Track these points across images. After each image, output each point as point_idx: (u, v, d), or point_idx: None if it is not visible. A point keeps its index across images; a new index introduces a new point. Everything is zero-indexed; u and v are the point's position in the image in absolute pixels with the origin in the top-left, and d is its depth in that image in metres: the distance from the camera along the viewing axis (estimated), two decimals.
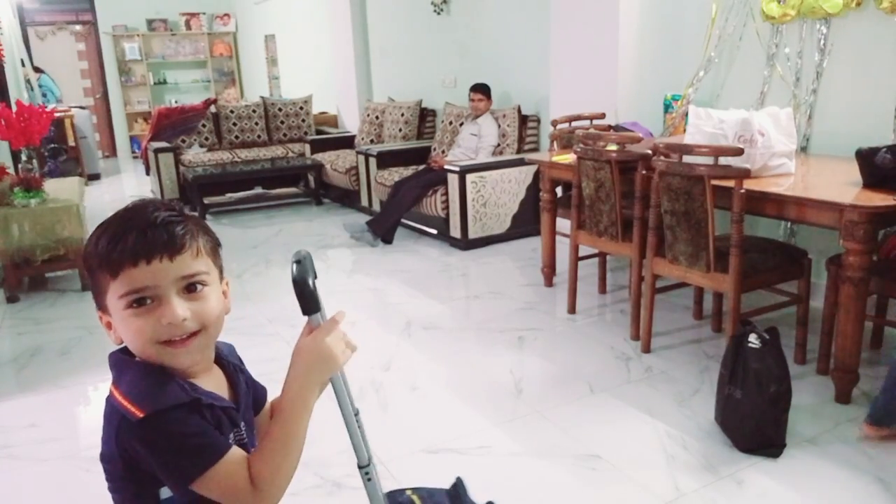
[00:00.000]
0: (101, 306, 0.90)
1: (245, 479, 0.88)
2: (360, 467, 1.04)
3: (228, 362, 1.01)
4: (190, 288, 0.88)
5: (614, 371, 2.82)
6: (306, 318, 0.94)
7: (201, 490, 0.86)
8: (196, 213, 0.95)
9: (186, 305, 0.87)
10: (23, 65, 7.78)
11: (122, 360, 0.92)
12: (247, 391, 1.01)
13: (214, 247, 0.94)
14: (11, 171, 4.66)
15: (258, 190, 6.84)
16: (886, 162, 2.37)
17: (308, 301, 0.92)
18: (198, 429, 0.87)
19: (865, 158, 2.46)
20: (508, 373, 2.84)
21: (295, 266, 0.92)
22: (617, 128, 3.77)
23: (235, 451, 0.89)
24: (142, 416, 0.84)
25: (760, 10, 3.41)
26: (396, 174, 5.34)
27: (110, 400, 0.89)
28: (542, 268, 3.87)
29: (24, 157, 4.18)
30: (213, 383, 0.95)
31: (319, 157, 6.61)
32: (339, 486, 2.10)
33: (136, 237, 0.84)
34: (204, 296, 0.90)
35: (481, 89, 5.00)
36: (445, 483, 1.73)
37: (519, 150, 4.96)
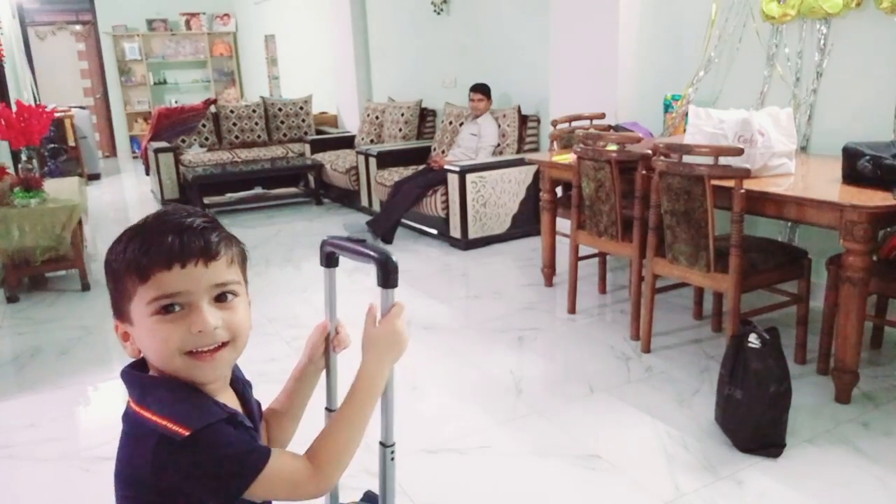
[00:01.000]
0: (121, 314, 0.87)
1: (299, 469, 0.88)
2: (386, 446, 1.07)
3: (237, 379, 1.00)
4: (221, 298, 0.86)
5: (614, 371, 2.82)
6: (385, 290, 1.01)
7: (257, 495, 0.85)
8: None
9: (219, 315, 0.85)
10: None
11: (142, 378, 0.89)
12: (258, 408, 1.01)
13: (244, 258, 0.93)
14: (11, 171, 4.66)
15: (258, 190, 6.84)
16: (866, 171, 2.42)
17: (395, 275, 0.99)
18: (243, 437, 0.86)
19: (850, 158, 2.49)
20: (508, 373, 2.84)
21: (366, 244, 1.02)
22: (617, 128, 3.77)
23: (277, 449, 0.89)
24: (187, 433, 0.81)
25: (760, 10, 3.41)
26: (396, 174, 5.34)
27: (137, 419, 0.86)
28: (542, 268, 3.87)
29: (24, 157, 4.18)
30: (231, 402, 0.94)
31: (319, 157, 6.61)
32: (339, 486, 2.10)
33: (172, 240, 0.82)
34: (234, 306, 0.88)
35: (481, 89, 5.00)
36: (445, 483, 1.73)
37: (519, 150, 4.97)
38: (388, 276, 0.99)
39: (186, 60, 10.99)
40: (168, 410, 0.83)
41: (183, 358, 0.84)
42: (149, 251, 0.82)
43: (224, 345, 0.86)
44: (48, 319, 3.74)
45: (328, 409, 1.15)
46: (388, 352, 0.99)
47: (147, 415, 0.85)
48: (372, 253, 1.00)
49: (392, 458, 1.07)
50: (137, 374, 0.90)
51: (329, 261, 1.10)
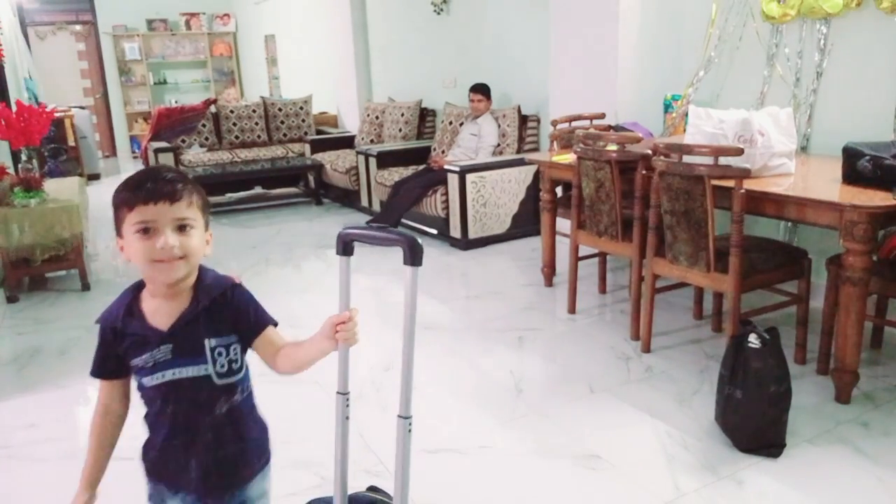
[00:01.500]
0: (119, 232, 1.21)
1: (96, 404, 1.28)
2: (405, 417, 1.20)
3: (204, 294, 1.24)
4: (181, 228, 1.18)
5: (614, 371, 2.82)
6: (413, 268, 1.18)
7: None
8: (194, 181, 1.28)
9: (177, 239, 1.17)
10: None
11: (132, 285, 1.28)
12: (201, 320, 1.23)
13: (205, 205, 1.25)
14: (11, 171, 4.66)
15: (258, 190, 6.84)
16: (866, 171, 2.42)
17: (421, 255, 1.18)
18: (99, 344, 1.26)
19: (850, 158, 2.49)
20: (508, 373, 2.84)
21: (389, 230, 1.21)
22: (617, 128, 3.76)
23: (101, 382, 1.28)
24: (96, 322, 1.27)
25: (760, 10, 3.41)
26: (396, 174, 5.34)
27: None
28: (542, 268, 3.87)
29: (24, 157, 4.18)
30: (167, 307, 1.22)
31: (319, 157, 6.61)
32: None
33: (149, 185, 1.17)
34: (190, 234, 1.19)
35: (481, 89, 5.00)
36: (445, 483, 1.73)
37: (519, 150, 4.96)
38: (415, 255, 1.17)
39: (186, 60, 10.99)
40: (111, 303, 1.28)
41: (151, 263, 1.18)
42: (134, 191, 1.18)
43: (181, 258, 1.18)
44: (48, 319, 3.74)
45: (339, 393, 1.28)
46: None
47: None
48: (398, 237, 1.17)
49: (409, 430, 1.21)
50: (135, 282, 1.28)
51: (345, 249, 1.26)
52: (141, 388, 1.25)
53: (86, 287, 4.15)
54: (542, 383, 2.78)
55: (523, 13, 5.01)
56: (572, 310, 3.46)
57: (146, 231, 1.16)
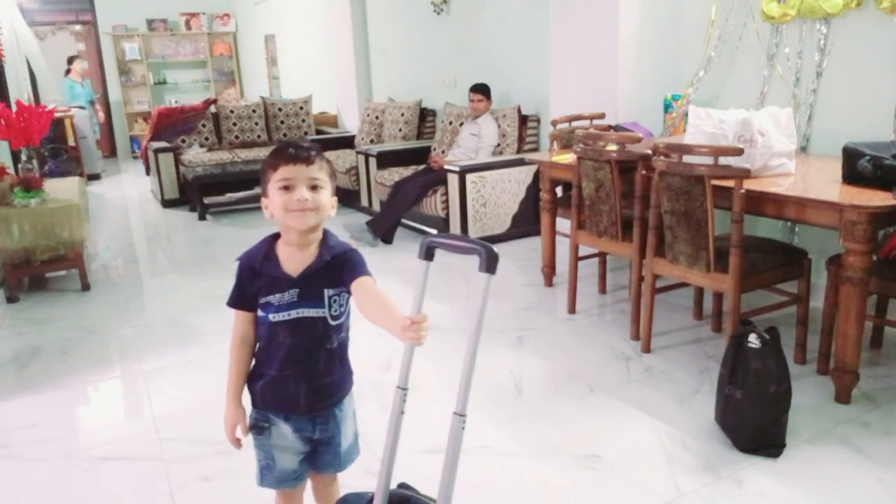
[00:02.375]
0: (264, 192, 1.45)
1: (234, 331, 1.50)
2: (460, 415, 1.35)
3: (327, 251, 1.46)
4: (314, 187, 1.42)
5: (614, 371, 2.82)
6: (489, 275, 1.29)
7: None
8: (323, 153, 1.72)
9: (310, 194, 1.41)
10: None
11: (269, 235, 1.50)
12: (323, 272, 1.44)
13: (332, 172, 1.50)
14: (11, 171, 4.66)
15: (258, 190, 6.81)
16: (866, 171, 2.42)
17: (496, 263, 1.28)
18: (239, 280, 1.47)
19: (850, 158, 2.49)
20: (508, 373, 2.84)
21: (466, 238, 1.34)
22: (617, 128, 3.77)
23: (238, 312, 1.49)
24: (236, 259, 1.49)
25: (760, 10, 3.41)
26: (396, 174, 5.34)
27: None
28: (542, 268, 3.87)
29: (24, 157, 4.18)
30: (297, 257, 1.44)
31: None
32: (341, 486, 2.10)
33: (290, 151, 1.42)
34: (320, 192, 1.43)
35: (481, 89, 5.00)
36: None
37: (519, 150, 4.97)
38: (491, 263, 1.27)
39: (186, 60, 10.99)
40: (250, 248, 1.50)
41: (289, 212, 1.40)
42: (278, 156, 1.42)
43: (312, 210, 1.41)
44: (48, 319, 3.74)
45: (399, 388, 1.42)
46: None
47: None
48: (477, 245, 1.27)
49: (463, 428, 1.35)
50: (272, 234, 1.51)
51: (427, 254, 1.41)
52: (263, 322, 1.45)
53: (86, 287, 4.15)
54: (542, 383, 2.78)
55: (523, 13, 5.01)
56: (572, 310, 3.46)
57: (287, 188, 1.40)
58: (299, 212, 1.40)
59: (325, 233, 1.50)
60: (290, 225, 1.43)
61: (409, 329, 1.30)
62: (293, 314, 1.44)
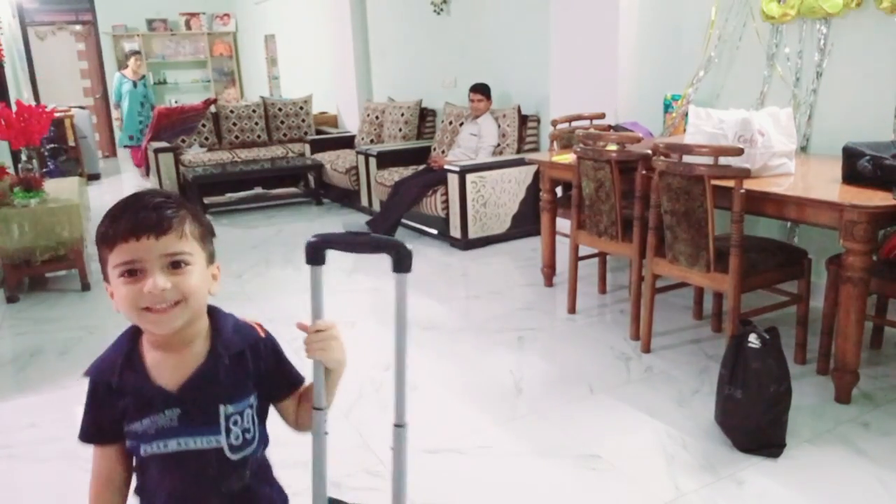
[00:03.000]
0: (105, 277, 1.02)
1: (93, 472, 1.07)
2: (400, 426, 1.15)
3: (223, 346, 1.06)
4: (175, 265, 0.99)
5: (614, 371, 2.82)
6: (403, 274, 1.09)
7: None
8: (191, 205, 1.06)
9: (169, 279, 0.98)
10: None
11: (128, 330, 1.08)
12: (217, 380, 1.05)
13: (204, 233, 1.05)
14: (11, 171, 4.66)
15: (258, 190, 6.84)
16: (866, 171, 2.42)
17: (409, 260, 1.08)
18: (90, 403, 1.05)
19: (850, 158, 2.49)
20: (508, 373, 2.84)
21: (371, 236, 1.11)
22: (617, 128, 3.76)
23: (95, 448, 1.07)
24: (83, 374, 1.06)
25: (760, 10, 3.41)
26: (396, 174, 5.34)
27: None
28: (542, 268, 3.87)
29: (24, 157, 4.18)
30: (174, 361, 1.04)
31: (319, 157, 6.61)
32: (339, 486, 2.10)
33: (129, 217, 0.98)
34: (187, 272, 1.00)
35: (481, 89, 5.00)
36: (445, 483, 1.73)
37: (519, 150, 4.96)
38: (402, 261, 1.06)
39: (186, 60, 10.99)
40: (102, 353, 1.08)
41: (140, 312, 0.98)
42: (112, 226, 0.98)
43: (177, 304, 0.99)
44: (48, 319, 3.74)
45: (315, 408, 1.12)
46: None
47: None
48: (383, 242, 1.06)
49: (405, 439, 1.15)
50: (130, 328, 1.08)
51: (315, 258, 1.11)
52: (134, 454, 1.05)
53: (86, 287, 4.15)
54: (542, 383, 2.78)
55: (523, 13, 5.01)
56: (572, 310, 3.46)
57: (131, 273, 0.97)
58: (156, 312, 0.97)
59: (215, 316, 1.08)
60: (145, 328, 1.02)
61: (311, 341, 1.06)
62: (171, 445, 1.01)
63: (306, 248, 1.10)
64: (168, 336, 1.01)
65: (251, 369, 1.07)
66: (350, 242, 1.09)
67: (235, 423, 1.04)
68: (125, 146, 9.43)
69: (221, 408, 1.04)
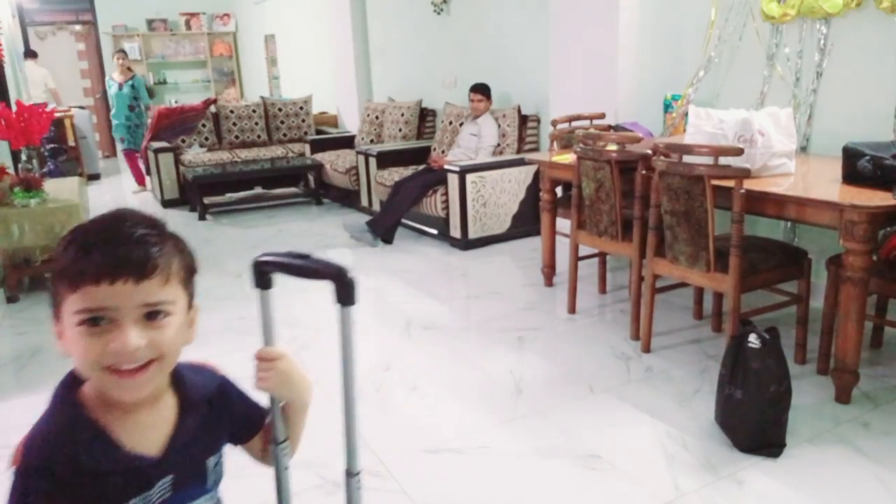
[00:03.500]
0: (56, 315, 0.83)
1: None
2: (353, 474, 1.03)
3: (196, 394, 0.92)
4: (151, 315, 0.80)
5: (614, 371, 2.82)
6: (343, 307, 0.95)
7: None
8: (177, 235, 0.87)
9: (144, 333, 0.79)
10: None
11: (63, 386, 0.85)
12: (201, 431, 0.91)
13: (189, 273, 0.87)
14: (11, 171, 4.66)
15: (258, 190, 6.84)
16: (866, 171, 2.43)
17: (353, 290, 0.94)
18: (46, 491, 0.78)
19: (850, 158, 2.49)
20: (508, 373, 2.84)
21: (311, 259, 0.94)
22: (617, 128, 3.77)
23: None
24: (13, 468, 0.78)
25: (760, 10, 3.41)
26: (396, 174, 5.34)
27: None
28: (543, 268, 3.87)
29: (24, 157, 4.18)
30: (147, 419, 0.86)
31: (319, 157, 6.61)
32: (339, 486, 2.10)
33: (105, 252, 0.77)
34: (165, 325, 0.82)
35: (481, 89, 5.00)
36: (445, 483, 1.73)
37: (519, 150, 4.96)
38: (345, 292, 0.91)
39: (186, 60, 10.99)
40: (35, 426, 0.82)
41: (102, 372, 0.79)
42: (80, 261, 0.77)
43: (150, 363, 0.81)
44: (48, 319, 3.73)
45: (274, 443, 1.04)
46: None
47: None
48: (325, 268, 0.89)
49: (359, 488, 1.04)
50: (67, 379, 0.86)
51: (263, 282, 0.98)
52: None
53: None
54: (542, 383, 2.78)
55: (523, 13, 5.01)
56: (572, 310, 3.46)
57: (95, 322, 0.77)
58: (124, 376, 0.79)
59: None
60: (107, 392, 0.82)
61: (257, 369, 0.95)
62: None
63: (252, 270, 0.98)
64: (131, 403, 0.84)
65: (223, 413, 0.96)
66: (290, 266, 0.94)
67: (216, 467, 0.96)
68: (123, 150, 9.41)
69: (208, 461, 0.93)
